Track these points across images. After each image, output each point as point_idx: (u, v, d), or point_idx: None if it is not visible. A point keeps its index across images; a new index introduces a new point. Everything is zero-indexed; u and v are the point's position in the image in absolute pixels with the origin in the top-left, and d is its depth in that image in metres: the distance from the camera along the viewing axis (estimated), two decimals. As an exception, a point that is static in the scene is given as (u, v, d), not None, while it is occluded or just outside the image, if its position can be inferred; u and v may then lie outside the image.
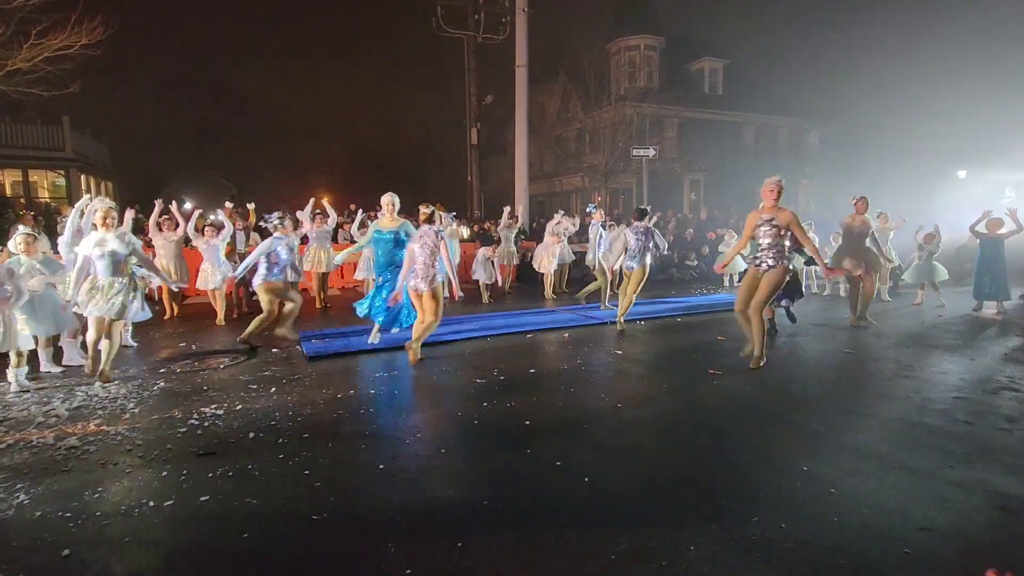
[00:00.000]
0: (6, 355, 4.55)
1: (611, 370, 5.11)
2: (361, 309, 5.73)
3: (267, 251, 5.77)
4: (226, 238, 7.73)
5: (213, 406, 4.07)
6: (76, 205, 5.41)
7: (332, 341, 6.09)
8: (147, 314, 5.29)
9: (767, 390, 4.47)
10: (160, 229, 7.86)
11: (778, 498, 2.67)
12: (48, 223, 10.89)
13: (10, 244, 4.83)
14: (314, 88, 43.10)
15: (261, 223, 6.35)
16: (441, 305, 5.22)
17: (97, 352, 4.69)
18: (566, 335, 6.62)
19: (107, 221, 4.59)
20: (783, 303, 6.32)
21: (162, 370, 5.20)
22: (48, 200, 18.06)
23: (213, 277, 7.51)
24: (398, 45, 45.82)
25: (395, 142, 33.24)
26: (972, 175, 18.68)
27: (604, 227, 8.09)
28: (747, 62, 23.74)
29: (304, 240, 8.39)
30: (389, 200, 5.59)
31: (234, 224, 8.28)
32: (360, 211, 10.41)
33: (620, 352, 5.74)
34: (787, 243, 4.89)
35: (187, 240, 7.97)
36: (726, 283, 11.06)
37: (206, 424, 3.72)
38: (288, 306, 6.01)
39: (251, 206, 9.99)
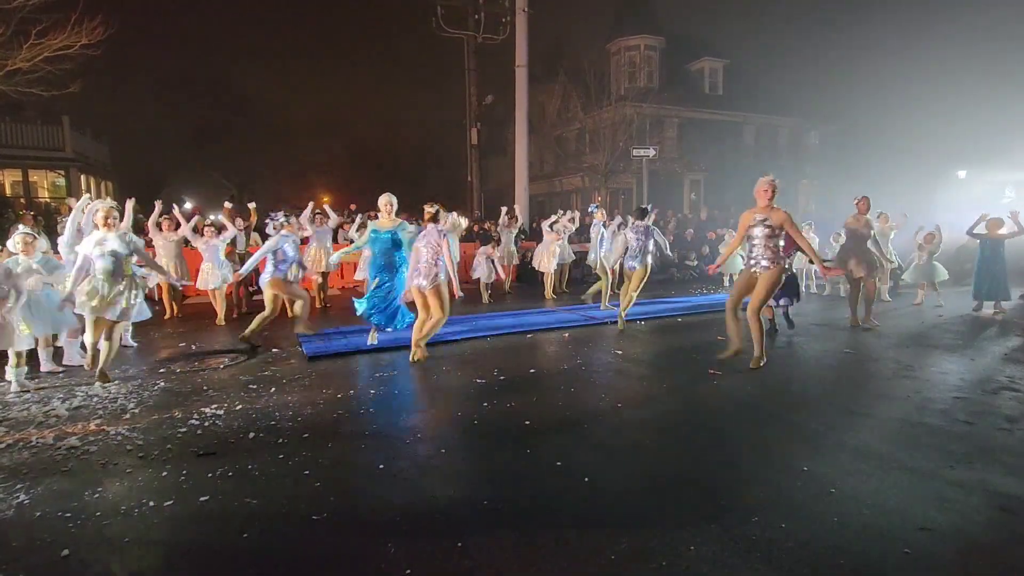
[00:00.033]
0: (6, 354, 4.56)
1: (611, 370, 5.11)
2: (359, 307, 5.72)
3: (274, 248, 5.86)
4: (227, 239, 7.73)
5: (213, 406, 4.07)
6: (76, 205, 5.40)
7: (332, 341, 6.09)
8: (147, 314, 5.29)
9: (767, 390, 4.47)
10: (160, 229, 7.87)
11: (778, 498, 2.67)
12: (48, 223, 10.89)
13: (9, 244, 4.83)
14: (314, 88, 43.13)
15: (267, 220, 6.41)
16: (447, 302, 5.25)
17: (96, 350, 4.69)
18: (566, 335, 6.62)
19: (109, 221, 4.59)
20: (782, 303, 6.32)
21: (162, 370, 5.20)
22: (48, 200, 18.06)
23: (213, 277, 7.52)
24: (398, 45, 45.85)
25: (395, 142, 33.26)
26: (972, 175, 18.68)
27: (605, 226, 8.09)
28: (747, 62, 23.75)
29: (304, 241, 8.40)
30: (387, 200, 5.56)
31: (235, 225, 8.27)
32: (359, 216, 10.39)
33: (620, 352, 5.74)
34: (782, 243, 4.88)
35: (187, 240, 7.98)
36: (725, 283, 11.06)
37: (206, 424, 3.72)
38: (298, 304, 6.11)
39: (252, 206, 9.99)
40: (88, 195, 5.48)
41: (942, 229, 8.77)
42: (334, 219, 9.03)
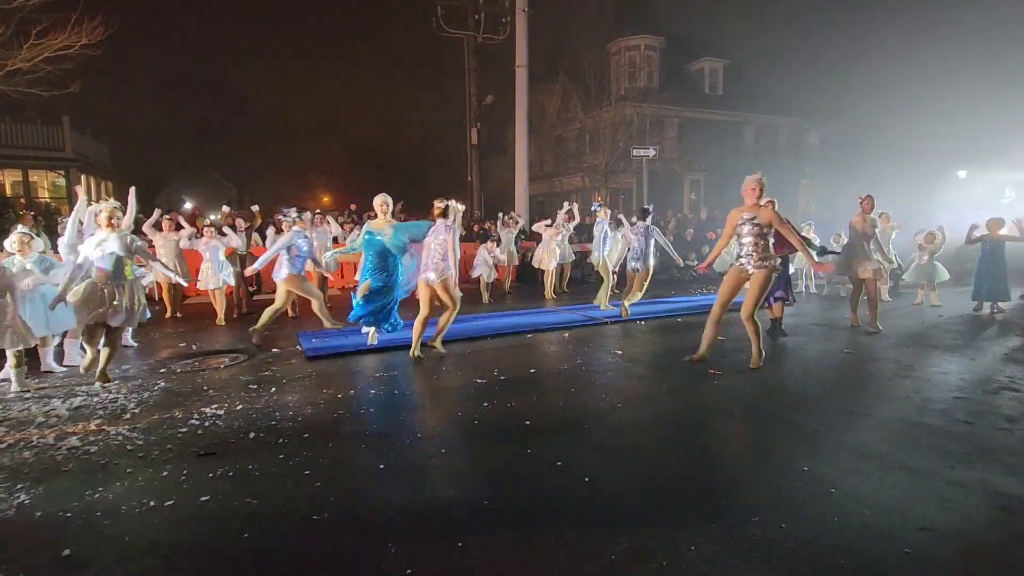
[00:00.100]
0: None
1: (611, 370, 5.11)
2: (353, 313, 5.64)
3: (287, 244, 5.95)
4: (230, 243, 7.74)
5: (213, 406, 4.08)
6: (76, 206, 5.38)
7: (332, 341, 6.09)
8: (147, 314, 5.29)
9: (767, 390, 4.47)
10: (160, 229, 7.88)
11: (778, 498, 2.67)
12: (48, 223, 10.89)
13: (6, 243, 4.81)
14: (314, 88, 43.08)
15: (280, 217, 6.50)
16: (456, 294, 5.37)
17: (96, 353, 4.67)
18: (566, 335, 6.62)
19: (112, 221, 4.54)
20: (777, 295, 6.28)
21: (162, 370, 5.20)
22: (48, 200, 18.07)
23: (213, 277, 7.52)
24: (398, 45, 45.88)
25: (395, 142, 33.27)
26: (972, 175, 18.66)
27: (608, 225, 8.09)
28: (747, 62, 23.74)
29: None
30: (382, 201, 5.48)
31: (235, 228, 8.29)
32: (354, 229, 10.39)
33: (620, 352, 5.74)
34: (772, 240, 4.86)
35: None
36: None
37: (206, 424, 3.73)
38: (314, 304, 6.26)
39: (255, 208, 10.04)
40: (85, 197, 5.43)
41: (944, 230, 8.77)
42: (336, 229, 9.04)
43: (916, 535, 2.35)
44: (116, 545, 2.34)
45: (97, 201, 4.95)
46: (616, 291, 8.26)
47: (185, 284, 5.24)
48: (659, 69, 21.19)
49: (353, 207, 13.97)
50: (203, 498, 2.72)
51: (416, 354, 5.37)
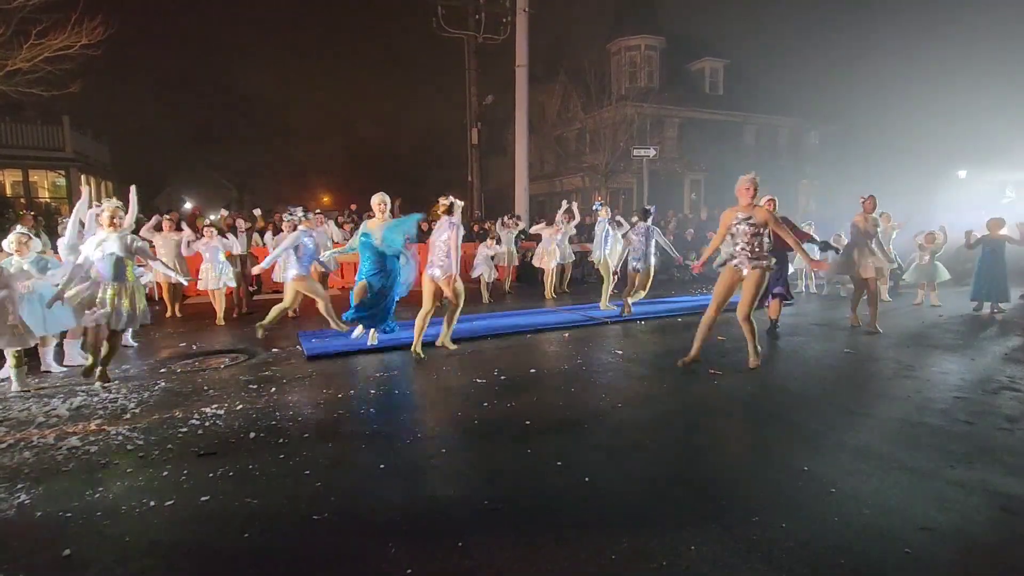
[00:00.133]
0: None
1: (611, 370, 5.11)
2: (348, 315, 5.59)
3: (295, 244, 5.97)
4: (231, 248, 7.74)
5: (214, 406, 4.08)
6: (76, 206, 5.37)
7: (332, 341, 6.09)
8: (148, 318, 5.28)
9: (767, 390, 4.47)
10: (160, 229, 7.89)
11: (778, 498, 2.67)
12: (48, 223, 10.89)
13: (3, 243, 4.80)
14: (314, 88, 43.14)
15: (287, 216, 6.53)
16: (460, 290, 5.44)
17: (98, 357, 4.65)
18: (566, 335, 6.62)
19: (114, 221, 4.51)
20: (776, 290, 6.25)
21: (162, 370, 5.20)
22: (48, 200, 18.07)
23: (213, 278, 7.52)
24: (398, 45, 45.88)
25: (395, 142, 33.36)
26: (972, 175, 18.65)
27: (610, 224, 8.10)
28: (747, 62, 23.74)
29: None
30: (379, 200, 5.44)
31: (235, 228, 8.30)
32: (354, 229, 10.41)
33: (620, 352, 5.74)
34: (766, 241, 4.84)
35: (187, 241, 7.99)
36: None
37: (207, 424, 3.73)
38: (320, 304, 6.28)
39: (258, 212, 10.07)
40: (87, 198, 5.40)
41: (946, 230, 8.77)
42: (335, 232, 9.06)
43: (916, 535, 2.35)
44: (116, 545, 2.34)
45: (99, 202, 4.93)
46: (615, 291, 8.25)
47: (185, 283, 5.24)
48: (659, 69, 21.18)
49: (353, 207, 13.96)
50: (203, 498, 2.72)
51: (417, 351, 5.40)
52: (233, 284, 7.82)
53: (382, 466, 3.07)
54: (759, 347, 4.98)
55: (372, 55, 46.46)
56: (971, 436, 3.43)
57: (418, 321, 5.44)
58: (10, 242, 4.73)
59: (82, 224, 5.15)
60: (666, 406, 4.11)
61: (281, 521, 2.52)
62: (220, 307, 7.59)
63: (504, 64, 15.14)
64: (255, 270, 6.62)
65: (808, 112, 22.92)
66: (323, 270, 8.20)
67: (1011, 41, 18.80)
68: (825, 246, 6.52)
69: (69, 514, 2.58)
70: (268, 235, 8.68)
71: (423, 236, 11.28)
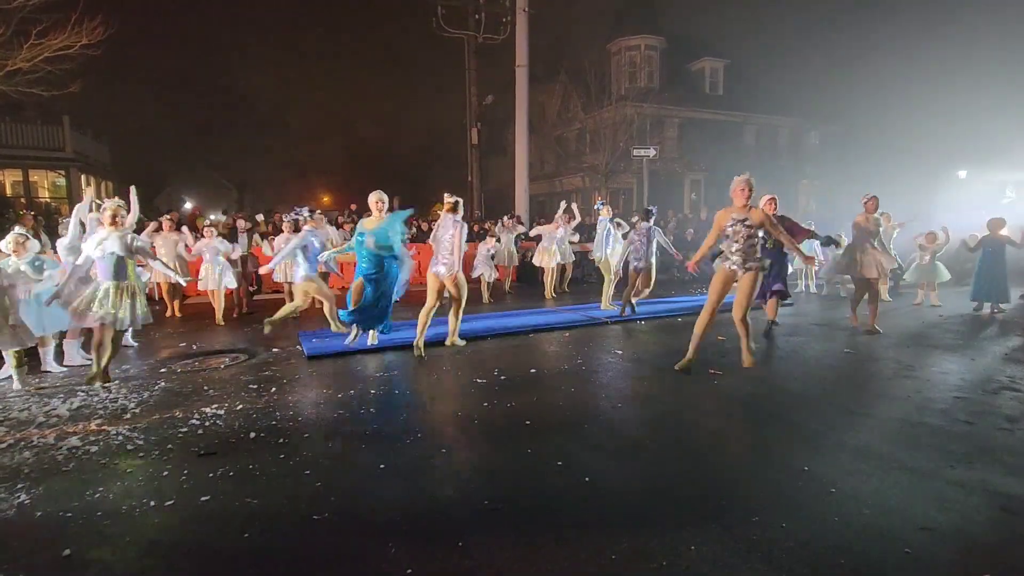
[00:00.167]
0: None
1: (611, 370, 5.11)
2: (344, 314, 5.55)
3: (302, 244, 5.98)
4: (231, 254, 7.73)
5: (214, 406, 4.08)
6: (77, 207, 5.36)
7: (332, 341, 6.09)
8: (149, 317, 5.28)
9: (767, 390, 4.47)
10: (161, 228, 7.89)
11: (778, 498, 2.67)
12: (48, 223, 10.89)
13: (1, 244, 4.79)
14: (314, 88, 43.14)
15: (294, 217, 6.55)
16: (464, 288, 5.54)
17: (101, 360, 4.63)
18: (566, 335, 6.62)
19: (116, 220, 4.49)
20: (776, 287, 6.24)
21: (162, 370, 5.20)
22: (48, 200, 18.06)
23: (213, 278, 7.53)
24: (398, 45, 45.87)
25: (395, 142, 33.36)
26: (972, 175, 18.65)
27: (611, 223, 8.11)
28: (747, 62, 23.71)
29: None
30: (377, 198, 5.38)
31: (236, 229, 8.31)
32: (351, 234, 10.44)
33: (620, 352, 5.74)
34: (759, 242, 4.82)
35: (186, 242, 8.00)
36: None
37: (207, 424, 3.73)
38: (326, 306, 6.32)
39: (260, 218, 10.09)
40: (90, 189, 5.40)
41: (948, 230, 8.76)
42: (333, 234, 9.07)
43: (916, 535, 2.35)
44: (116, 545, 2.34)
45: (101, 201, 4.92)
46: (615, 291, 8.25)
47: (184, 284, 5.20)
48: (659, 69, 21.17)
49: (353, 207, 13.96)
50: (203, 498, 2.72)
51: (419, 346, 5.47)
52: (234, 285, 7.82)
53: (382, 466, 3.07)
54: (752, 346, 4.91)
55: (372, 55, 46.44)
56: (971, 436, 3.43)
57: (421, 316, 5.49)
58: (7, 243, 4.73)
59: (83, 226, 5.15)
60: (666, 406, 4.11)
61: (281, 521, 2.52)
62: (219, 307, 7.60)
63: (504, 64, 15.16)
64: (262, 270, 6.63)
65: (808, 112, 22.91)
66: (324, 271, 8.23)
67: (1011, 41, 18.79)
68: (828, 241, 6.48)
69: (69, 514, 2.58)
70: (274, 238, 8.68)
71: (423, 236, 11.30)
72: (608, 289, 8.10)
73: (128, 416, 3.92)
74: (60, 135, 17.75)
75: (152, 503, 2.67)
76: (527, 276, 11.58)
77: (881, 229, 6.87)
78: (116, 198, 4.71)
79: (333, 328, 6.36)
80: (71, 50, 9.40)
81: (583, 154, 21.42)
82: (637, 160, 15.80)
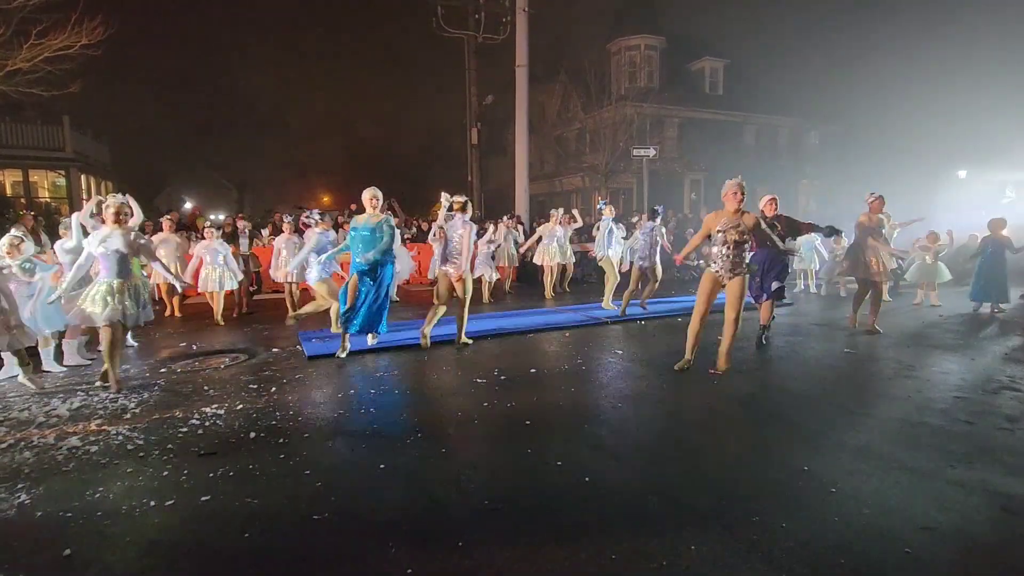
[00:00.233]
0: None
1: (611, 370, 5.11)
2: (340, 315, 5.43)
3: (317, 246, 6.03)
4: (227, 253, 7.73)
5: (214, 406, 4.08)
6: (78, 213, 5.33)
7: (332, 341, 6.09)
8: (151, 314, 5.28)
9: (767, 390, 4.47)
10: (161, 229, 7.90)
11: (778, 498, 2.67)
12: (48, 223, 10.89)
13: None
14: (314, 88, 43.14)
15: (304, 218, 6.60)
16: (469, 288, 5.64)
17: (114, 363, 4.61)
18: (567, 335, 6.62)
19: (120, 218, 4.46)
20: (774, 286, 6.21)
21: (162, 370, 5.20)
22: (48, 200, 18.06)
23: (212, 279, 7.53)
24: (398, 45, 45.88)
25: (395, 142, 33.38)
26: (972, 175, 18.66)
27: (614, 223, 8.16)
28: (747, 62, 23.72)
29: None
30: (371, 195, 5.29)
31: (236, 229, 8.31)
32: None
33: (620, 352, 5.74)
34: (748, 249, 4.80)
35: (188, 239, 8.00)
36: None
37: (207, 424, 3.73)
38: (333, 306, 6.28)
39: (266, 232, 10.15)
40: (90, 207, 5.40)
41: (953, 234, 8.77)
42: (333, 235, 9.11)
43: (916, 535, 2.35)
44: (116, 545, 2.34)
45: (103, 197, 4.91)
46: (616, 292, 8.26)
47: (180, 290, 5.14)
48: (659, 69, 21.17)
49: (353, 207, 13.96)
50: (203, 498, 2.72)
51: (427, 334, 5.78)
52: (234, 286, 7.82)
53: (382, 466, 3.07)
54: (730, 352, 4.83)
55: (372, 55, 46.43)
56: (971, 436, 3.43)
57: (432, 310, 5.75)
58: (2, 244, 4.72)
59: (84, 231, 5.14)
60: (666, 406, 4.11)
61: (281, 521, 2.52)
62: (218, 307, 7.60)
63: (504, 64, 15.15)
64: (282, 274, 6.72)
65: (808, 112, 22.91)
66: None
67: (1011, 41, 18.79)
68: (830, 231, 6.43)
69: (69, 514, 2.58)
70: (274, 238, 8.69)
71: (423, 236, 11.29)
72: (611, 288, 8.12)
73: (128, 416, 3.92)
74: (60, 135, 17.75)
75: (152, 503, 2.67)
76: (527, 276, 11.58)
77: (883, 229, 6.83)
78: (119, 195, 4.67)
79: (334, 329, 6.36)
80: (71, 50, 9.40)
81: (583, 154, 21.42)
82: (637, 160, 15.80)
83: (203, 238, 7.72)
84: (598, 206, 8.72)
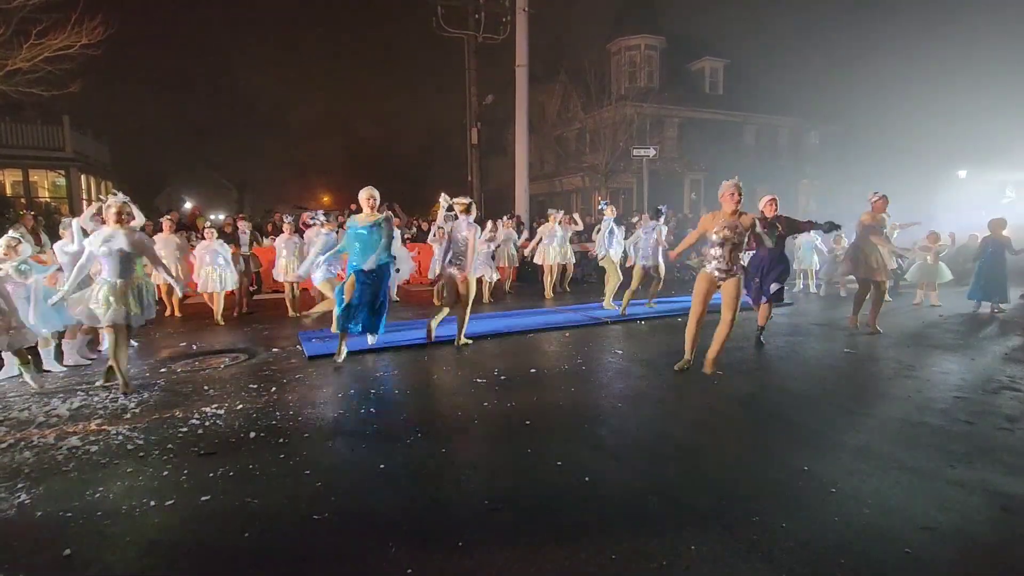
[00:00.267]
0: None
1: (611, 370, 5.11)
2: (338, 314, 5.34)
3: (325, 247, 6.05)
4: (227, 254, 7.73)
5: (214, 406, 4.08)
6: (79, 218, 5.32)
7: (332, 341, 6.08)
8: (153, 313, 5.28)
9: (767, 390, 4.47)
10: (161, 229, 7.90)
11: (778, 498, 2.67)
12: (48, 223, 10.89)
13: None
14: (314, 88, 43.14)
15: (310, 220, 6.64)
16: (471, 290, 5.70)
17: (125, 365, 4.61)
18: (567, 335, 6.62)
19: (122, 218, 4.46)
20: (774, 287, 6.20)
21: (163, 370, 5.20)
22: (48, 200, 18.06)
23: (212, 280, 7.53)
24: (398, 45, 45.87)
25: (395, 142, 33.39)
26: (972, 175, 18.67)
27: (616, 222, 8.18)
28: (747, 62, 23.72)
29: None
30: (368, 195, 5.22)
31: (237, 229, 8.32)
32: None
33: (620, 352, 5.74)
34: (743, 250, 4.79)
35: (188, 239, 8.01)
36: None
37: (207, 424, 3.73)
38: (335, 307, 6.36)
39: (268, 241, 10.17)
40: (92, 210, 5.41)
41: (955, 237, 8.78)
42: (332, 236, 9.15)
43: (916, 535, 2.35)
44: (116, 545, 2.34)
45: (104, 197, 4.91)
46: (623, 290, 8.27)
47: (180, 293, 5.08)
48: (659, 69, 21.17)
49: (353, 207, 13.97)
50: (203, 498, 2.72)
51: (432, 327, 5.87)
52: (234, 287, 7.82)
53: (382, 466, 3.07)
54: (720, 358, 4.82)
55: (372, 55, 46.42)
56: (971, 436, 3.43)
57: (438, 310, 5.84)
58: (0, 246, 4.72)
59: (85, 234, 5.13)
60: (666, 406, 4.11)
61: (281, 521, 2.52)
62: (218, 307, 7.60)
63: (504, 64, 15.15)
64: (293, 278, 6.74)
65: (808, 112, 22.91)
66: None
67: (1011, 41, 18.79)
68: (830, 226, 6.42)
69: (69, 514, 2.58)
70: (274, 237, 8.70)
71: (423, 236, 11.29)
72: (612, 288, 8.13)
73: (128, 416, 3.92)
74: (60, 135, 17.75)
75: (152, 503, 2.67)
76: (527, 276, 11.58)
77: (883, 230, 6.81)
78: (120, 194, 4.64)
79: (334, 329, 6.35)
80: (71, 50, 9.40)
81: (583, 154, 21.42)
82: (637, 160, 15.81)
83: (203, 238, 7.72)
84: (599, 206, 8.76)
